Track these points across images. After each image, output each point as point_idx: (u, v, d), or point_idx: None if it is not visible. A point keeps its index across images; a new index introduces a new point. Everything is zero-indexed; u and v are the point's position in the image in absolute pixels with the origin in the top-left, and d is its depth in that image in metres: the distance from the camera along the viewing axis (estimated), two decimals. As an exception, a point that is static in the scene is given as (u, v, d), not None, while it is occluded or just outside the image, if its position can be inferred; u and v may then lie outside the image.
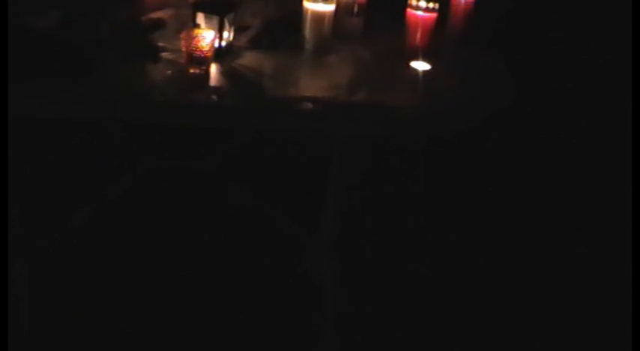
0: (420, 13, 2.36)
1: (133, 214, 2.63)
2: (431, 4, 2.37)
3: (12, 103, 1.83)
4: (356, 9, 2.44)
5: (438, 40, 2.40)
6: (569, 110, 3.17)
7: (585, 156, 3.10)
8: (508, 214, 2.89)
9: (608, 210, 2.90)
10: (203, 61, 2.00)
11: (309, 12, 2.26)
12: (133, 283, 2.38)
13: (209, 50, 1.99)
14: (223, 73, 2.09)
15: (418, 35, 2.37)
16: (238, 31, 2.26)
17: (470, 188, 2.95)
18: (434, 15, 2.37)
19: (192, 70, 2.00)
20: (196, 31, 2.02)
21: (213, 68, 2.05)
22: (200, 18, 2.13)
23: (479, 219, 2.86)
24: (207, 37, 1.99)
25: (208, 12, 2.13)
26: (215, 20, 2.12)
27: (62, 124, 2.52)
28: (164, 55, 2.10)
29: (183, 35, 2.00)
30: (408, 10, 2.38)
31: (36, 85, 1.86)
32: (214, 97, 1.97)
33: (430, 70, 2.21)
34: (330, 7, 2.27)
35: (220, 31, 2.12)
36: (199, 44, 1.97)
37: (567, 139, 3.15)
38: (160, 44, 2.14)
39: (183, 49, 2.00)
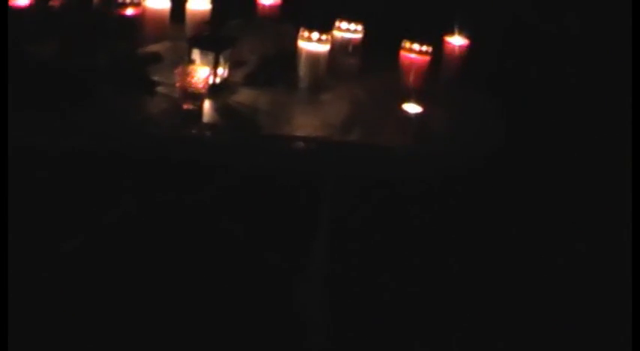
0: (413, 55, 2.39)
1: (123, 245, 2.63)
2: (424, 47, 2.40)
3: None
4: (350, 49, 2.47)
5: (432, 83, 2.43)
6: (562, 153, 3.19)
7: (581, 198, 3.12)
8: (500, 255, 2.89)
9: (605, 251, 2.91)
10: (197, 97, 2.01)
11: (304, 52, 2.28)
12: (123, 314, 2.37)
13: (203, 86, 2.00)
14: (217, 109, 2.10)
15: (411, 77, 2.40)
16: (234, 66, 2.27)
17: (461, 228, 2.96)
18: (427, 58, 2.40)
19: (186, 106, 2.01)
20: (191, 67, 2.03)
21: (207, 104, 2.07)
22: (196, 53, 2.14)
23: (469, 258, 2.86)
24: (201, 73, 2.01)
25: (204, 48, 2.14)
26: (210, 56, 2.13)
27: (56, 154, 2.53)
28: (159, 89, 2.11)
29: (178, 71, 2.01)
30: (402, 52, 2.41)
31: (31, 114, 1.87)
32: (207, 133, 1.98)
33: (423, 112, 2.23)
34: (325, 48, 2.29)
35: (215, 67, 2.14)
36: (194, 80, 1.98)
37: (561, 181, 3.17)
38: (156, 78, 2.15)
39: (178, 84, 2.01)
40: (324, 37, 2.29)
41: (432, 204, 2.93)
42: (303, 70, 2.30)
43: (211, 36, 2.20)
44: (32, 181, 2.56)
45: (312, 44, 2.28)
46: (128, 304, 2.40)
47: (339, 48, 2.44)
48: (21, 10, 2.34)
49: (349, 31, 2.47)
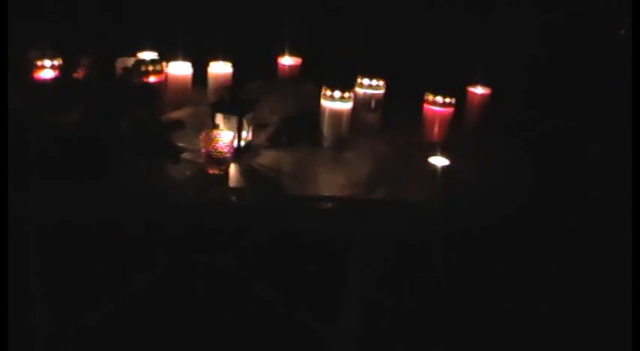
0: (436, 108, 2.38)
1: (153, 310, 2.61)
2: (447, 99, 2.38)
3: (31, 201, 1.85)
4: (373, 104, 2.47)
5: (456, 134, 2.41)
6: (592, 200, 3.14)
7: (614, 247, 3.05)
8: (531, 307, 2.83)
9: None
10: (222, 162, 2.00)
11: (327, 111, 2.28)
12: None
13: (228, 151, 2.00)
14: (242, 172, 2.09)
15: (436, 130, 2.38)
16: (257, 128, 2.28)
17: (491, 282, 2.91)
18: (451, 109, 2.39)
19: (211, 171, 2.00)
20: (215, 132, 2.03)
21: (233, 168, 2.06)
22: (219, 118, 2.15)
23: (500, 311, 2.81)
24: (225, 138, 2.00)
25: (227, 112, 2.15)
26: (234, 120, 2.14)
27: (81, 223, 2.54)
28: (183, 155, 2.10)
29: (202, 136, 2.01)
30: (425, 105, 2.40)
31: (56, 184, 1.87)
32: (233, 197, 1.97)
33: (449, 164, 2.20)
34: (348, 105, 2.29)
35: (239, 130, 2.14)
36: (218, 145, 1.98)
37: (592, 230, 3.11)
38: (180, 144, 2.15)
39: (202, 150, 2.01)
40: (346, 94, 2.28)
41: (463, 257, 2.89)
42: (326, 128, 2.29)
43: (234, 100, 2.20)
44: (57, 252, 2.56)
45: (334, 102, 2.28)
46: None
47: (362, 104, 2.44)
48: (46, 83, 2.38)
49: (371, 86, 2.47)
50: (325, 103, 2.28)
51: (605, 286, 2.92)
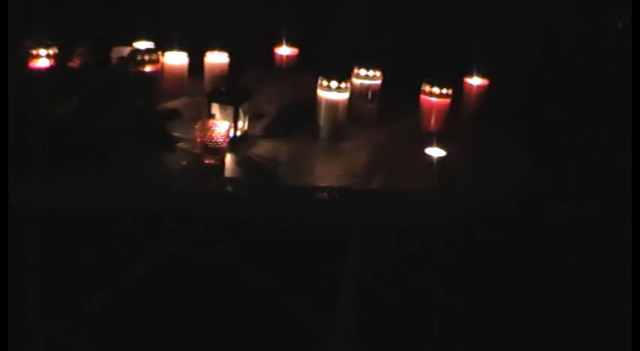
0: (433, 99, 2.37)
1: (147, 302, 2.61)
2: (444, 90, 2.38)
3: (27, 193, 1.84)
4: (370, 95, 2.46)
5: (453, 125, 2.41)
6: (593, 189, 3.13)
7: (615, 237, 3.04)
8: (528, 302, 2.82)
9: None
10: (218, 152, 1.99)
11: (323, 101, 2.27)
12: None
13: (224, 141, 1.99)
14: (238, 162, 2.08)
15: (432, 121, 2.38)
16: (253, 118, 2.27)
17: (488, 275, 2.90)
18: (448, 100, 2.38)
19: (207, 161, 1.99)
20: (211, 121, 2.03)
21: (228, 158, 2.05)
22: (215, 108, 2.15)
23: (496, 305, 2.80)
24: (221, 127, 2.00)
25: (223, 102, 2.14)
26: (230, 110, 2.13)
27: (77, 214, 2.53)
28: (179, 145, 2.10)
29: (197, 126, 2.00)
30: (422, 96, 2.39)
31: (52, 174, 1.86)
32: (229, 188, 1.96)
33: (446, 155, 2.20)
34: (344, 96, 2.28)
35: (235, 120, 2.13)
36: (214, 135, 1.97)
37: (593, 220, 3.09)
38: (176, 134, 2.15)
39: (198, 139, 2.00)
40: (342, 85, 2.28)
41: (460, 249, 2.88)
42: (323, 119, 2.29)
43: (230, 89, 2.20)
44: (54, 243, 2.56)
45: (331, 93, 2.27)
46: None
47: (359, 95, 2.43)
48: (41, 72, 2.36)
49: (368, 77, 2.46)
50: (322, 94, 2.28)
51: (606, 282, 2.92)
